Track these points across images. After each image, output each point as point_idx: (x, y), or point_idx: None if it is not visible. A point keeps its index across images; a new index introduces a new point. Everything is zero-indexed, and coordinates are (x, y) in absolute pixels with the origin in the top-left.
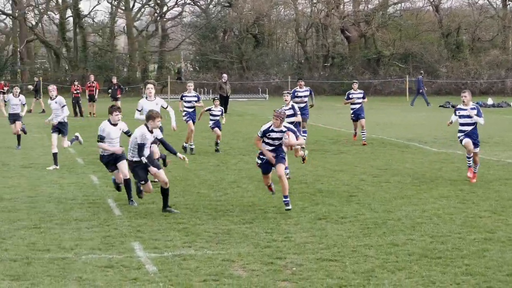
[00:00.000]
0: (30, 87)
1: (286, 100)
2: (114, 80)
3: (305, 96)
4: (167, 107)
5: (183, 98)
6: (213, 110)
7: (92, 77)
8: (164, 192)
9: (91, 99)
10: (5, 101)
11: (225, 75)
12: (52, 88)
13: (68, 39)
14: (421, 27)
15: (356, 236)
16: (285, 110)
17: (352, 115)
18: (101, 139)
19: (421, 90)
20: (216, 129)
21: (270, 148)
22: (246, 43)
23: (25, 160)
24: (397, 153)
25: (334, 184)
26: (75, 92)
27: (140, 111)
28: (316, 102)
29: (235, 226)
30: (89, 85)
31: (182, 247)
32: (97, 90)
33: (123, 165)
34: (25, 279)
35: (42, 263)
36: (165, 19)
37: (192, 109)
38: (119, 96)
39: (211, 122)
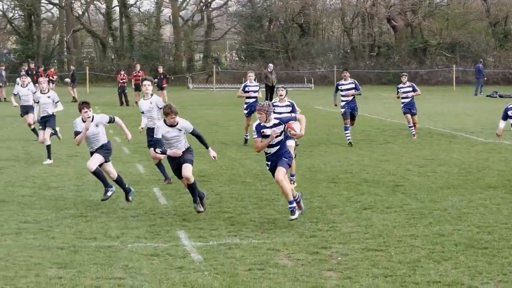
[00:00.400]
0: (67, 80)
1: (281, 95)
2: (160, 70)
3: (350, 89)
4: (161, 108)
5: (246, 88)
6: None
7: (138, 67)
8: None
9: (137, 88)
10: (14, 94)
11: (270, 65)
12: (43, 80)
13: (114, 29)
14: (468, 16)
15: (402, 226)
16: (280, 106)
17: (403, 109)
18: (75, 134)
19: (485, 78)
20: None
21: (273, 148)
22: (291, 32)
23: (70, 149)
24: (444, 143)
25: (380, 174)
26: (121, 81)
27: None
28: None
29: (280, 215)
30: (135, 74)
31: (227, 236)
32: None
33: (107, 166)
34: (72, 267)
35: (89, 251)
36: (210, 9)
37: (254, 99)
38: (165, 85)
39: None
